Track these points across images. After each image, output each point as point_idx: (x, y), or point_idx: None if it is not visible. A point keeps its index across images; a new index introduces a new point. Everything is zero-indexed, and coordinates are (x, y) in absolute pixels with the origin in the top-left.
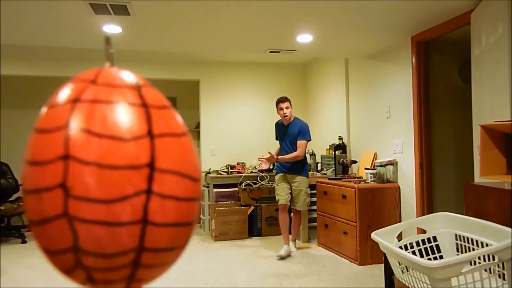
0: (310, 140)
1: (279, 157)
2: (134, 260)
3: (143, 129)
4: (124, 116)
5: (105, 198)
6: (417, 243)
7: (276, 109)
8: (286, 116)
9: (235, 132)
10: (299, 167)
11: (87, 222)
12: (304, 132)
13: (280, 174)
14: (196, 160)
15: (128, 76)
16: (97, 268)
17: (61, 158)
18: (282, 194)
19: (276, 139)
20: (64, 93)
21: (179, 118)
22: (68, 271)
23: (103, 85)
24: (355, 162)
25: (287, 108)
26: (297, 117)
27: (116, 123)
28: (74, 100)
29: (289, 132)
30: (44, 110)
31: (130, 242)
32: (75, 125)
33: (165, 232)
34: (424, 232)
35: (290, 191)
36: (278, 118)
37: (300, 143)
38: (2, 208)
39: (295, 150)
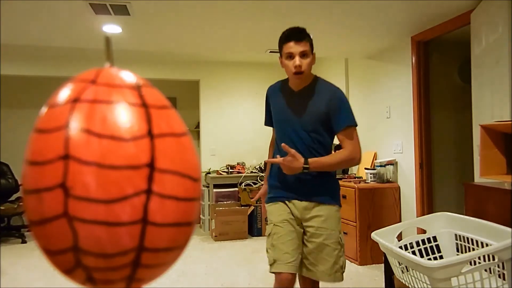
0: (357, 125)
1: (312, 160)
2: (134, 260)
3: (143, 129)
4: (124, 116)
5: (105, 198)
6: (417, 243)
7: (279, 56)
8: (301, 73)
9: (235, 132)
10: (325, 184)
11: (87, 222)
12: (345, 109)
13: (277, 204)
14: (196, 160)
15: (128, 76)
16: (97, 268)
17: (61, 158)
18: (284, 249)
19: (268, 124)
20: (64, 93)
21: (179, 118)
22: (68, 271)
23: (103, 85)
24: None
25: (304, 55)
26: (321, 78)
27: (116, 123)
28: (74, 100)
29: (308, 108)
30: (44, 110)
31: (130, 242)
32: (75, 125)
33: (165, 232)
34: (424, 232)
35: (299, 242)
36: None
37: (347, 133)
38: (2, 208)
39: (321, 147)
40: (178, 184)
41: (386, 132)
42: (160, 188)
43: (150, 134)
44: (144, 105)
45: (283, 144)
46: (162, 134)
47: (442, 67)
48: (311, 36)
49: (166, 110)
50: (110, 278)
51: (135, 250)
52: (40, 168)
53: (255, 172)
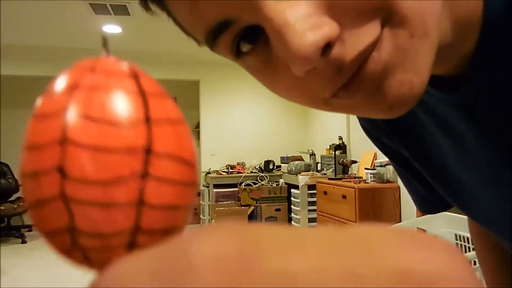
0: None
1: None
2: (130, 241)
3: (140, 114)
4: (121, 102)
5: (101, 180)
6: None
7: None
8: None
9: (235, 132)
10: None
11: (83, 203)
12: None
13: None
14: (192, 147)
15: (125, 65)
16: (93, 248)
17: (58, 141)
18: None
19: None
20: (62, 80)
21: (176, 107)
22: (65, 252)
23: (101, 72)
24: (355, 162)
25: None
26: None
27: (113, 109)
28: (72, 87)
29: None
30: (42, 96)
31: (126, 223)
32: (73, 110)
33: (161, 214)
34: (424, 232)
35: None
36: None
37: None
38: (2, 208)
39: None
40: (174, 168)
41: None
42: (156, 171)
43: (147, 120)
44: (142, 92)
45: None
46: (159, 120)
47: None
48: None
49: (164, 98)
50: (106, 259)
51: (131, 231)
52: (37, 151)
53: (255, 172)
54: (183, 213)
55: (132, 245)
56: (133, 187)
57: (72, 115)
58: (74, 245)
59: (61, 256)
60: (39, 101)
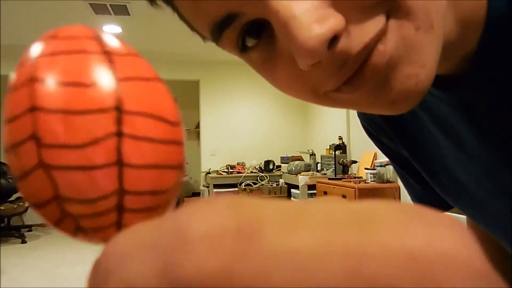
0: None
1: None
2: (117, 204)
3: (106, 73)
4: (84, 63)
5: (76, 143)
6: None
7: None
8: None
9: (235, 132)
10: None
11: (62, 168)
12: None
13: None
14: (172, 105)
15: (88, 29)
16: (82, 215)
17: (28, 110)
18: None
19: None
20: (29, 52)
21: (149, 66)
22: (57, 223)
23: (62, 38)
24: (355, 162)
25: None
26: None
27: (76, 71)
28: (36, 56)
29: None
30: (14, 71)
31: (109, 185)
32: (38, 78)
33: (145, 174)
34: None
35: None
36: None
37: None
38: (2, 208)
39: None
40: (151, 126)
41: None
42: (131, 129)
43: (114, 78)
44: (106, 52)
45: None
46: (127, 78)
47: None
48: None
49: (133, 57)
50: (98, 225)
51: (116, 194)
52: (12, 124)
53: (255, 172)
54: (171, 173)
55: (121, 209)
56: (109, 147)
57: (37, 82)
58: (64, 214)
59: (55, 228)
60: (11, 76)
